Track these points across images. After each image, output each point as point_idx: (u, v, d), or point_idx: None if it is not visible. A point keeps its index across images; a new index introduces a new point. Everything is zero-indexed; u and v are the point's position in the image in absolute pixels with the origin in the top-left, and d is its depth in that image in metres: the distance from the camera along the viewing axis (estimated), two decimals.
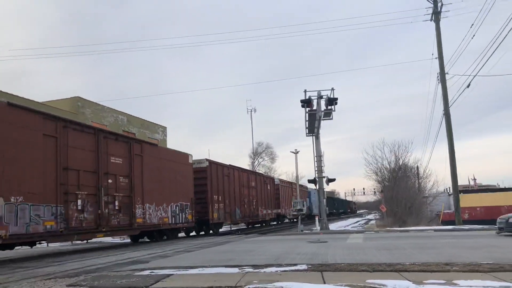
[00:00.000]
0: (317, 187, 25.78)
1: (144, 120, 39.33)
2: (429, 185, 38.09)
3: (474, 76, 21.87)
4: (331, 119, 24.60)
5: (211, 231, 24.40)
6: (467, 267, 7.71)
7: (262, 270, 7.97)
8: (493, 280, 6.41)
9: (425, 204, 36.63)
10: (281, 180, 40.91)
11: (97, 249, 16.74)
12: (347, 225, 42.78)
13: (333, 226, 36.98)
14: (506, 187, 56.15)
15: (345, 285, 6.18)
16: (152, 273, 8.06)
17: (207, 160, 23.95)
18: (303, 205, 25.95)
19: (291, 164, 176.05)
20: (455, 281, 6.36)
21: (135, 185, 16.72)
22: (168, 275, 7.68)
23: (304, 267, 8.24)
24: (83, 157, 14.24)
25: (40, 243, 14.19)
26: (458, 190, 26.27)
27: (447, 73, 25.68)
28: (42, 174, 12.43)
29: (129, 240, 20.26)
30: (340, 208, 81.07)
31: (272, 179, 38.14)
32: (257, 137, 71.81)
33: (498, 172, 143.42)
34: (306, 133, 25.58)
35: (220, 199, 24.44)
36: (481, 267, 7.60)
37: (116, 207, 15.61)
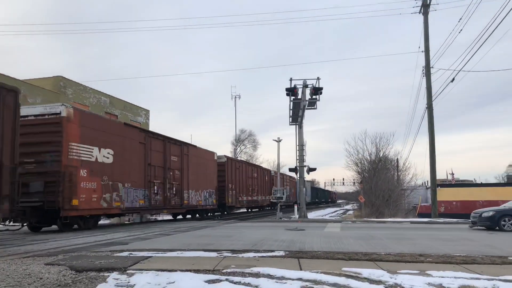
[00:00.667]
0: (298, 176, 25.98)
1: (127, 102, 38.81)
2: (408, 178, 38.82)
3: (459, 71, 22.19)
4: (315, 108, 24.71)
5: (225, 212, 30.90)
6: (440, 258, 7.94)
7: (240, 255, 8.06)
8: (464, 272, 6.62)
9: (403, 197, 37.34)
10: (275, 172, 43.47)
11: (78, 229, 16.61)
12: (326, 214, 43.36)
13: (312, 215, 37.48)
14: (483, 182, 57.68)
15: (321, 272, 6.30)
16: (131, 255, 8.07)
17: (225, 156, 30.35)
18: (283, 193, 26.15)
19: (273, 152, 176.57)
20: (428, 272, 6.55)
21: (184, 176, 22.46)
22: (147, 257, 7.70)
23: (281, 253, 8.36)
24: (157, 157, 19.99)
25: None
26: (435, 184, 26.81)
27: (432, 67, 25.98)
28: (138, 168, 18.32)
29: (170, 217, 25.22)
30: (323, 197, 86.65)
31: (269, 171, 43.45)
32: (241, 124, 72.00)
33: (475, 167, 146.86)
34: (290, 122, 25.68)
35: (232, 187, 30.62)
36: (454, 259, 7.84)
37: (174, 192, 21.45)
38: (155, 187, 19.59)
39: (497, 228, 15.27)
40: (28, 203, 13.22)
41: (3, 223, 12.48)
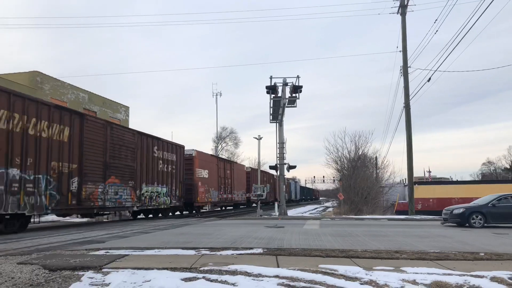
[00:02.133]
0: (278, 173, 26.07)
1: (106, 98, 38.24)
2: (386, 176, 39.31)
3: (435, 71, 22.56)
4: (295, 106, 24.82)
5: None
6: (415, 255, 8.09)
7: (218, 253, 8.05)
8: (438, 268, 6.76)
9: (381, 194, 37.81)
10: (252, 168, 45.65)
11: (55, 227, 16.34)
12: (305, 212, 43.62)
13: (292, 212, 37.64)
14: (458, 180, 58.93)
15: (298, 269, 6.34)
16: (107, 253, 7.96)
17: (250, 167, 43.12)
18: (263, 191, 26.22)
19: (254, 150, 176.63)
20: (403, 268, 6.67)
21: (232, 182, 37.33)
22: (123, 256, 7.62)
23: (259, 251, 8.38)
24: (221, 172, 34.66)
25: None
26: (413, 181, 27.26)
27: (410, 67, 26.37)
28: (216, 179, 32.91)
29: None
30: (308, 195, 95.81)
31: (243, 166, 45.49)
32: (222, 122, 71.73)
33: (452, 165, 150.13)
34: (270, 120, 25.73)
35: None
36: (428, 255, 7.99)
37: (228, 192, 35.98)
38: (221, 189, 34.20)
39: (467, 224, 15.65)
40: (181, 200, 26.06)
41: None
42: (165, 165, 23.55)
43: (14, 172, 13.17)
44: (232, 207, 41.29)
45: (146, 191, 21.42)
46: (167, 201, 23.74)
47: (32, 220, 14.87)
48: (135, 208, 20.83)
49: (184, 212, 29.12)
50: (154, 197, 22.14)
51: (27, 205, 13.57)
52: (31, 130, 13.93)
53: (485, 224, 15.61)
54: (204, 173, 29.96)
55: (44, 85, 30.50)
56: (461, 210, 16.06)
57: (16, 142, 13.28)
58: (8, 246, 9.48)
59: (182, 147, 26.11)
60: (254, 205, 44.24)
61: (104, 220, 22.04)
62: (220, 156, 51.81)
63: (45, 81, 30.74)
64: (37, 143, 14.17)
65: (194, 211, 29.72)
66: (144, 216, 23.98)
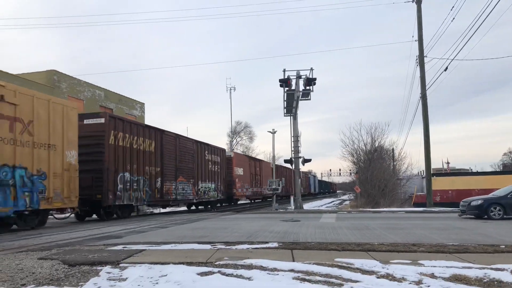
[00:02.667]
0: (293, 167, 26.01)
1: (121, 95, 38.61)
2: (403, 168, 38.92)
3: (452, 60, 22.15)
4: (309, 99, 24.67)
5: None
6: (433, 247, 7.98)
7: (233, 247, 8.08)
8: (457, 261, 6.65)
9: (398, 186, 37.46)
10: (276, 165, 47.03)
11: (74, 223, 16.63)
12: (322, 205, 43.48)
13: (308, 205, 37.55)
14: (478, 171, 57.93)
15: (314, 263, 6.32)
16: (124, 248, 8.07)
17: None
18: (278, 185, 26.23)
19: (269, 143, 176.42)
20: (420, 261, 6.58)
21: (260, 178, 40.82)
22: (141, 251, 7.70)
23: (275, 245, 8.38)
24: (252, 169, 38.86)
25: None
26: (430, 173, 26.90)
27: (426, 56, 25.92)
28: (249, 175, 37.52)
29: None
30: (326, 188, 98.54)
31: (269, 163, 46.56)
32: (236, 116, 71.89)
33: (472, 156, 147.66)
34: (284, 113, 25.64)
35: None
36: (447, 248, 7.88)
37: (258, 186, 39.66)
38: (253, 184, 38.28)
39: (486, 216, 15.37)
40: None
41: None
42: (213, 166, 28.52)
43: (127, 175, 18.26)
44: (260, 200, 44.88)
45: (202, 187, 26.32)
46: (215, 195, 28.63)
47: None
48: (194, 201, 25.96)
49: (223, 204, 33.68)
50: (206, 192, 27.10)
51: (133, 198, 18.74)
52: (134, 145, 19.00)
53: (504, 216, 15.31)
54: (240, 171, 34.81)
55: (61, 83, 30.93)
56: (479, 201, 15.77)
57: (126, 154, 18.31)
58: (29, 242, 9.69)
59: (223, 150, 31.83)
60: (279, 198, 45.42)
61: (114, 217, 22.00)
62: (236, 151, 52.16)
63: (62, 80, 31.17)
64: (138, 154, 19.22)
65: (232, 203, 35.86)
66: (195, 208, 28.77)
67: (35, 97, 13.40)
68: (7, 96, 12.24)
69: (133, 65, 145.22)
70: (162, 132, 21.64)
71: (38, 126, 13.37)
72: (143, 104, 42.09)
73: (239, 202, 39.40)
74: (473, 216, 15.91)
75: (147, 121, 39.81)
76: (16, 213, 12.57)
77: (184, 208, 29.03)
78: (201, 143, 26.59)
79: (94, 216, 18.28)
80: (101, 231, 12.21)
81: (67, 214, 16.18)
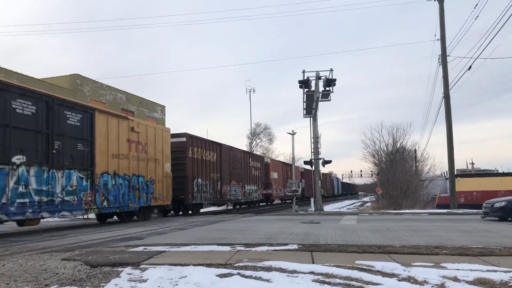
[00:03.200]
0: (313, 169, 25.86)
1: (143, 98, 39.14)
2: (426, 169, 38.31)
3: (476, 58, 21.70)
4: (329, 100, 24.52)
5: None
6: (456, 250, 7.81)
7: (253, 249, 8.07)
8: (481, 264, 6.49)
9: (421, 188, 36.85)
10: (305, 169, 49.19)
11: (95, 225, 16.93)
12: (343, 207, 43.11)
13: (328, 207, 37.31)
14: (505, 172, 56.50)
15: (334, 266, 6.26)
16: (145, 250, 8.16)
17: (303, 168, 44.79)
18: (298, 186, 26.19)
19: (288, 144, 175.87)
20: (443, 264, 6.45)
21: (282, 180, 40.10)
22: (161, 252, 7.78)
23: (294, 247, 8.34)
24: (284, 173, 42.00)
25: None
26: (454, 174, 26.39)
27: (449, 55, 25.48)
28: (283, 180, 39.93)
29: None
30: (348, 190, 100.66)
31: (298, 167, 47.44)
32: (256, 118, 71.90)
33: (497, 156, 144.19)
34: (304, 114, 25.54)
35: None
36: (471, 251, 7.69)
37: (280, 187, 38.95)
38: (286, 186, 35.43)
39: (510, 218, 14.96)
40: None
41: None
42: (255, 171, 33.48)
43: (199, 180, 23.35)
44: (291, 200, 47.34)
45: (247, 189, 31.03)
46: (257, 196, 33.61)
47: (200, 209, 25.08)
48: (242, 200, 31.07)
49: (260, 204, 38.47)
50: (251, 193, 31.91)
51: (203, 198, 23.58)
52: (203, 157, 24.05)
53: None
54: (275, 175, 38.45)
55: (83, 87, 31.55)
56: (503, 203, 15.36)
57: (199, 164, 23.39)
58: (53, 243, 9.90)
59: (262, 157, 38.61)
60: (306, 199, 46.29)
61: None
62: (255, 152, 52.38)
63: (85, 83, 31.79)
64: (205, 164, 24.21)
65: (269, 203, 40.30)
66: (238, 206, 33.07)
67: (147, 126, 18.91)
68: (134, 127, 17.51)
69: (155, 68, 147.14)
70: (220, 145, 26.74)
71: (149, 146, 18.49)
72: (164, 106, 42.55)
73: (274, 202, 43.56)
74: (496, 218, 15.52)
75: (168, 124, 40.43)
76: (138, 208, 17.75)
77: (231, 207, 32.58)
78: (246, 152, 33.55)
79: (115, 218, 18.64)
80: (122, 233, 12.38)
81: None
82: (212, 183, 24.95)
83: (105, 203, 15.47)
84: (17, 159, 11.86)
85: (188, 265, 6.44)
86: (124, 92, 36.43)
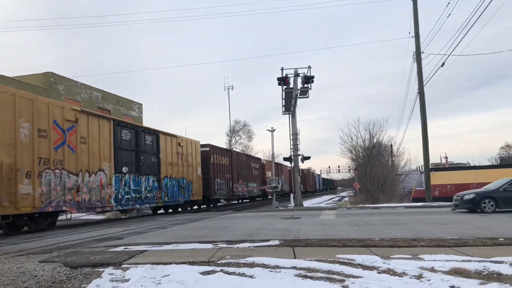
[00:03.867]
0: (292, 165, 26.04)
1: (119, 96, 38.53)
2: (402, 163, 38.97)
3: (448, 55, 22.21)
4: (308, 97, 24.72)
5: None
6: (433, 242, 8.02)
7: (235, 246, 8.11)
8: (456, 255, 6.70)
9: (397, 182, 37.55)
10: (290, 167, 51.15)
11: (73, 225, 16.64)
12: (321, 202, 43.52)
13: (308, 203, 37.60)
14: (476, 165, 58.05)
15: (315, 260, 6.35)
16: (126, 249, 8.09)
17: (290, 166, 42.65)
18: (278, 183, 26.37)
19: (267, 142, 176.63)
20: (420, 256, 6.62)
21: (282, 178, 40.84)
22: (142, 251, 7.72)
23: (276, 242, 8.41)
24: (276, 172, 38.82)
25: None
26: (429, 168, 26.98)
27: (423, 52, 25.99)
28: (288, 177, 45.55)
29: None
30: (328, 186, 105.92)
31: (287, 166, 49.89)
32: (235, 115, 72.06)
33: (469, 150, 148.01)
34: (283, 111, 25.68)
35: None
36: (446, 242, 7.92)
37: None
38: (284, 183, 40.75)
39: (478, 210, 15.43)
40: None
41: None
42: (255, 171, 39.06)
43: (218, 180, 29.55)
44: (281, 195, 49.15)
45: (250, 186, 36.00)
46: (256, 192, 38.79)
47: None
48: (247, 196, 37.46)
49: (257, 199, 42.50)
50: (252, 190, 37.13)
51: (220, 194, 29.88)
52: (220, 161, 30.11)
53: (497, 209, 15.39)
54: (269, 174, 40.96)
55: (58, 85, 30.88)
56: (472, 195, 15.85)
57: (218, 167, 29.69)
58: (30, 245, 9.69)
59: (259, 159, 43.97)
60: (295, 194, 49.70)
61: (122, 217, 22.33)
62: (239, 151, 52.43)
63: (59, 82, 31.12)
64: (221, 167, 30.36)
65: (265, 198, 43.10)
66: (236, 202, 37.51)
67: (187, 140, 25.04)
68: (180, 142, 23.84)
69: (131, 66, 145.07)
70: (231, 151, 35.04)
71: (188, 156, 24.79)
72: (141, 104, 42.03)
73: (269, 197, 47.34)
74: (466, 210, 15.97)
75: (146, 122, 40.02)
76: (184, 202, 24.05)
77: (236, 201, 37.75)
78: (248, 155, 40.27)
79: (97, 217, 18.64)
80: (101, 233, 12.22)
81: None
82: (226, 182, 31.19)
83: (166, 198, 21.77)
84: (124, 169, 18.25)
85: (171, 263, 6.42)
86: (100, 90, 35.82)
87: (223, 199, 31.57)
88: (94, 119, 16.53)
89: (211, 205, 29.35)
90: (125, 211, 19.89)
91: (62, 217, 18.46)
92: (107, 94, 36.73)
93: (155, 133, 21.24)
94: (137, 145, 19.34)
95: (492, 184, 16.97)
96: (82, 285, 5.40)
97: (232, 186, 32.00)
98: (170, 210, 24.48)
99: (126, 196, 18.16)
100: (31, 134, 13.18)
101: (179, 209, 24.83)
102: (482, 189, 16.90)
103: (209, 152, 28.29)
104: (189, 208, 26.04)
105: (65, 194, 14.50)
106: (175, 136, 23.55)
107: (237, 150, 56.32)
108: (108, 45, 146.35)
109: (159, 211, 24.12)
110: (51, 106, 14.30)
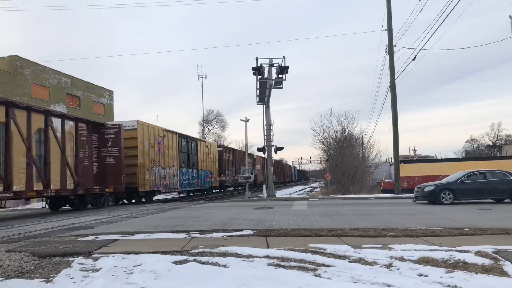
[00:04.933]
0: (266, 155, 26.13)
1: (89, 83, 37.62)
2: (372, 155, 39.70)
3: (420, 49, 22.63)
4: (282, 88, 24.75)
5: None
6: (402, 232, 8.23)
7: (208, 235, 8.09)
8: (424, 244, 6.89)
9: (367, 173, 38.24)
10: (261, 157, 51.49)
11: (39, 215, 16.22)
12: (293, 193, 43.99)
13: (280, 193, 37.93)
14: (443, 158, 59.78)
15: (288, 249, 6.41)
16: (96, 239, 7.94)
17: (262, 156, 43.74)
18: (251, 173, 26.43)
19: (241, 132, 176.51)
20: (390, 245, 6.79)
21: (262, 169, 44.13)
22: (113, 241, 7.61)
23: (249, 232, 8.44)
24: (263, 165, 40.33)
25: None
26: (398, 160, 27.59)
27: (395, 46, 26.35)
28: (262, 170, 43.84)
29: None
30: (302, 177, 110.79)
31: (261, 157, 51.53)
32: (208, 105, 71.54)
33: (437, 143, 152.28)
34: (257, 102, 25.65)
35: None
36: (415, 232, 8.15)
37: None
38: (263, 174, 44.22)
39: (437, 201, 15.93)
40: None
41: None
42: (248, 164, 39.94)
43: (227, 172, 38.76)
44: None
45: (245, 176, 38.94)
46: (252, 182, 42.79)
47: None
48: (234, 184, 41.25)
49: (251, 186, 44.14)
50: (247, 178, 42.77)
51: (228, 182, 38.56)
52: (229, 158, 40.53)
53: (454, 201, 15.94)
54: (258, 166, 42.90)
55: (24, 70, 29.84)
56: (432, 187, 16.35)
57: (227, 163, 39.50)
58: None
59: (252, 154, 46.11)
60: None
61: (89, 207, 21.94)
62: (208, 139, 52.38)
63: (25, 66, 30.06)
64: (229, 162, 40.32)
65: (256, 186, 44.47)
66: (233, 188, 44.28)
67: (211, 144, 36.80)
68: (207, 145, 34.19)
69: (102, 52, 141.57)
70: (235, 150, 44.95)
71: (210, 154, 34.33)
72: (112, 92, 41.19)
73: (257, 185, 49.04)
74: (426, 202, 16.45)
75: (116, 109, 39.35)
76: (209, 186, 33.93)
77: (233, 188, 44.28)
78: (244, 152, 41.75)
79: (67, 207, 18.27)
80: (70, 222, 11.97)
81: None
82: (231, 173, 39.52)
83: (200, 184, 31.41)
84: (182, 165, 27.84)
85: (143, 253, 6.35)
86: (69, 76, 34.85)
87: (230, 185, 41.72)
88: (170, 134, 26.08)
89: (222, 190, 39.59)
90: (183, 192, 30.50)
91: (36, 205, 18.20)
92: (77, 80, 35.79)
93: (195, 140, 31.84)
94: (187, 149, 29.17)
95: (451, 177, 17.52)
96: (51, 275, 5.28)
97: (235, 176, 37.91)
98: (198, 193, 34.04)
99: (184, 182, 28.12)
100: (148, 146, 22.78)
101: (205, 192, 34.81)
102: (442, 181, 17.42)
103: (222, 152, 38.90)
104: (211, 191, 36.62)
105: (160, 180, 24.15)
106: (204, 140, 36.61)
107: (239, 148, 57.43)
108: (78, 29, 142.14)
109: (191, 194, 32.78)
110: (154, 129, 24.01)
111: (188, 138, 29.60)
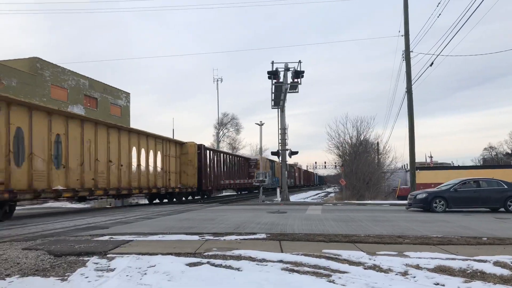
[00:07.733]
0: (280, 160, 26.07)
1: (106, 85, 38.11)
2: (388, 161, 39.41)
3: (437, 55, 22.30)
4: (297, 92, 24.71)
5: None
6: (418, 239, 8.11)
7: (222, 238, 8.08)
8: (441, 252, 6.78)
9: (383, 179, 37.90)
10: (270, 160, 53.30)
11: (57, 214, 16.44)
12: (307, 197, 43.74)
13: (294, 197, 37.75)
14: (460, 165, 58.88)
15: (302, 254, 6.36)
16: (111, 239, 8.00)
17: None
18: (266, 177, 26.40)
19: (256, 136, 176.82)
20: (406, 253, 6.69)
21: (274, 173, 47.23)
22: (128, 241, 7.65)
23: (263, 236, 8.41)
24: (270, 168, 47.46)
25: None
26: (414, 167, 27.21)
27: (412, 51, 26.02)
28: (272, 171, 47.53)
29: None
30: (319, 181, 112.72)
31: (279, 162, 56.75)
32: (223, 108, 71.71)
33: (453, 150, 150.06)
34: (272, 106, 25.65)
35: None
36: (431, 240, 8.02)
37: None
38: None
39: (430, 209, 15.65)
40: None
41: None
42: (258, 169, 41.52)
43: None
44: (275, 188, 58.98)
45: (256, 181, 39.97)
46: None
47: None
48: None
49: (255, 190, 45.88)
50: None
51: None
52: (243, 164, 42.53)
53: (447, 209, 15.69)
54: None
55: (44, 71, 30.37)
56: (424, 195, 16.11)
57: (244, 167, 43.01)
58: (13, 232, 9.54)
59: (257, 159, 46.86)
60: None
61: (107, 206, 22.30)
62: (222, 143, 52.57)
63: (45, 68, 30.60)
64: (246, 167, 42.89)
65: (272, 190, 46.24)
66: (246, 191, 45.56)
67: (236, 155, 43.12)
68: (232, 155, 40.20)
69: (120, 54, 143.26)
70: (249, 159, 45.16)
71: (238, 160, 40.47)
72: (129, 94, 41.65)
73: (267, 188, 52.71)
74: (419, 209, 16.19)
75: (133, 111, 39.70)
76: None
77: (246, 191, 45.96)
78: (244, 158, 45.52)
79: (80, 206, 18.37)
80: (86, 222, 12.09)
81: None
82: (248, 178, 40.41)
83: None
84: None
85: (157, 254, 6.37)
86: (87, 77, 35.35)
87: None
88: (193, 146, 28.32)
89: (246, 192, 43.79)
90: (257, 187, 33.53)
91: (46, 204, 18.33)
92: (94, 82, 36.28)
93: (223, 152, 36.99)
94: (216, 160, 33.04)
95: (445, 184, 17.27)
96: (66, 274, 5.33)
97: (249, 179, 40.44)
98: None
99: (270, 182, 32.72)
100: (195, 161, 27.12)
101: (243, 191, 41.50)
102: (435, 189, 17.17)
103: (241, 158, 43.53)
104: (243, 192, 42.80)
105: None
106: (227, 153, 39.78)
107: (242, 153, 59.59)
108: (97, 32, 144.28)
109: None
110: (190, 146, 27.22)
111: (212, 150, 33.69)
